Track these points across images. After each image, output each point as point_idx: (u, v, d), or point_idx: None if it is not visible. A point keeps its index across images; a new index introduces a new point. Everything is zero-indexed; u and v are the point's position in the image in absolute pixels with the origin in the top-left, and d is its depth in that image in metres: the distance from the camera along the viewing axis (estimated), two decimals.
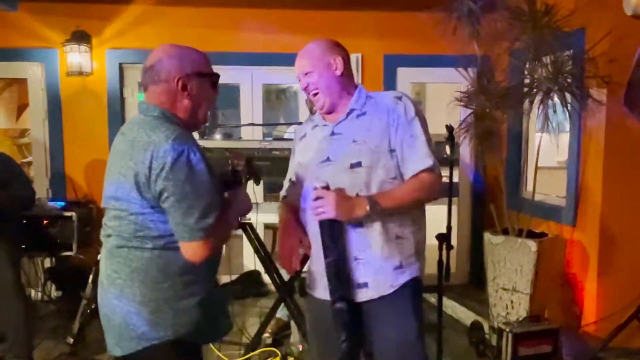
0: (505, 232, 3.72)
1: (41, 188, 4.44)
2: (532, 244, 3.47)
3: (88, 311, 3.63)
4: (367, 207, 1.78)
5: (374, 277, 1.86)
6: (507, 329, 3.13)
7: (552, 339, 3.21)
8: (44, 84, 4.66)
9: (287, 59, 4.56)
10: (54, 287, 4.50)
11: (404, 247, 1.90)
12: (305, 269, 2.04)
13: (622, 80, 3.27)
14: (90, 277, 3.69)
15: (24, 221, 3.75)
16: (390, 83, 4.78)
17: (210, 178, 1.61)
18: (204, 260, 1.61)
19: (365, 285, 1.86)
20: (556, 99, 3.37)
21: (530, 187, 3.92)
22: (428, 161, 1.85)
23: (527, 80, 3.55)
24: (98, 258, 3.80)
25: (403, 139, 1.86)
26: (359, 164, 1.84)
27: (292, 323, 3.53)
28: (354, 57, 4.51)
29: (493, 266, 3.68)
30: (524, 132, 4.44)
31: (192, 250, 1.60)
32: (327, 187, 1.78)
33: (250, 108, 4.91)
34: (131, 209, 1.58)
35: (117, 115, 4.69)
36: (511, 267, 3.56)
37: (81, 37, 4.47)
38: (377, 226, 1.84)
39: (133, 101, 4.82)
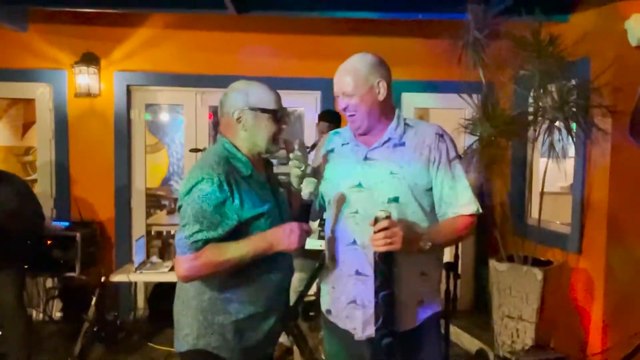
0: (510, 259, 3.70)
1: (46, 208, 4.43)
2: (537, 272, 3.44)
3: (89, 333, 3.62)
4: (425, 242, 1.74)
5: (398, 312, 1.78)
6: (513, 358, 3.10)
7: None
8: (51, 105, 4.70)
9: (292, 83, 4.72)
10: (55, 307, 4.48)
11: (428, 283, 1.88)
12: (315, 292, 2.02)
13: (627, 109, 3.28)
14: (94, 299, 3.68)
15: (28, 241, 3.75)
16: None
17: (219, 210, 1.67)
18: (183, 279, 1.71)
19: None
20: (560, 125, 3.39)
21: (535, 214, 3.90)
22: (473, 207, 1.85)
23: (531, 109, 3.56)
24: (102, 280, 3.84)
25: (444, 181, 1.83)
26: (395, 199, 1.79)
27: (295, 348, 3.49)
28: None
29: (498, 294, 3.65)
30: (528, 157, 4.45)
31: (175, 263, 1.72)
32: (389, 217, 1.67)
33: None
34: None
35: (123, 136, 4.72)
36: (517, 295, 3.53)
37: (90, 59, 4.52)
38: (405, 262, 1.77)
39: (140, 123, 4.86)
